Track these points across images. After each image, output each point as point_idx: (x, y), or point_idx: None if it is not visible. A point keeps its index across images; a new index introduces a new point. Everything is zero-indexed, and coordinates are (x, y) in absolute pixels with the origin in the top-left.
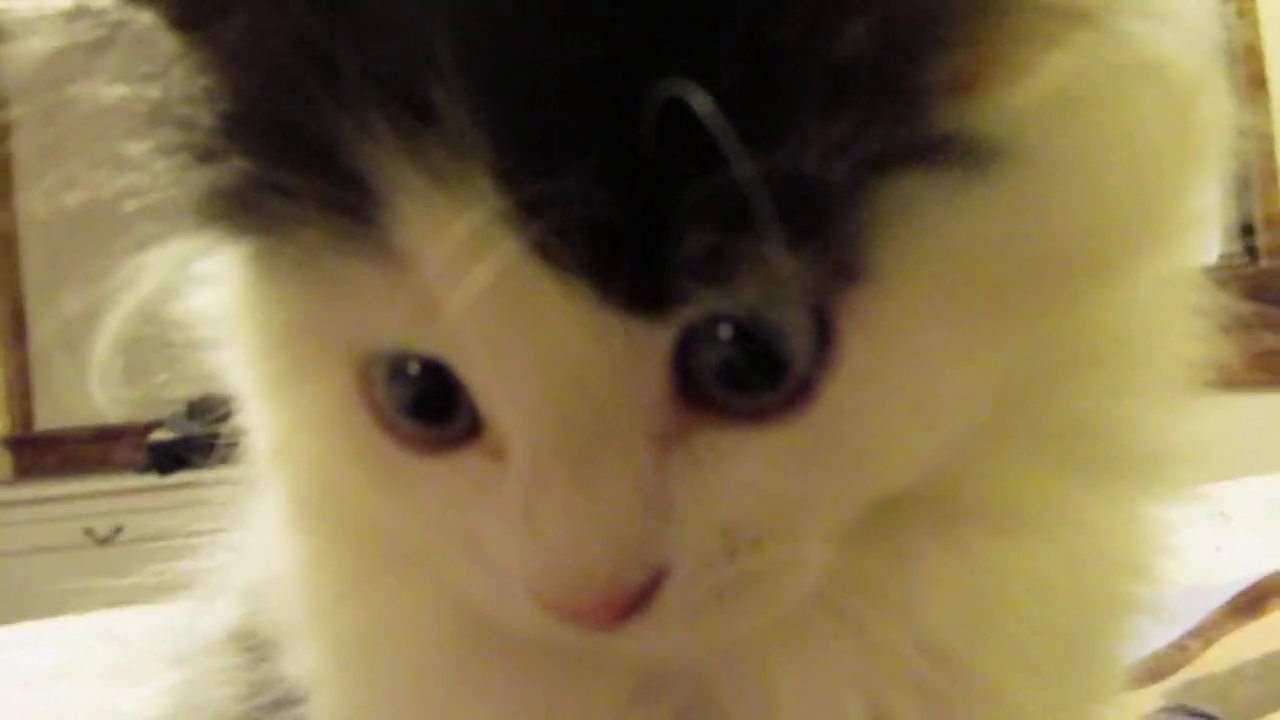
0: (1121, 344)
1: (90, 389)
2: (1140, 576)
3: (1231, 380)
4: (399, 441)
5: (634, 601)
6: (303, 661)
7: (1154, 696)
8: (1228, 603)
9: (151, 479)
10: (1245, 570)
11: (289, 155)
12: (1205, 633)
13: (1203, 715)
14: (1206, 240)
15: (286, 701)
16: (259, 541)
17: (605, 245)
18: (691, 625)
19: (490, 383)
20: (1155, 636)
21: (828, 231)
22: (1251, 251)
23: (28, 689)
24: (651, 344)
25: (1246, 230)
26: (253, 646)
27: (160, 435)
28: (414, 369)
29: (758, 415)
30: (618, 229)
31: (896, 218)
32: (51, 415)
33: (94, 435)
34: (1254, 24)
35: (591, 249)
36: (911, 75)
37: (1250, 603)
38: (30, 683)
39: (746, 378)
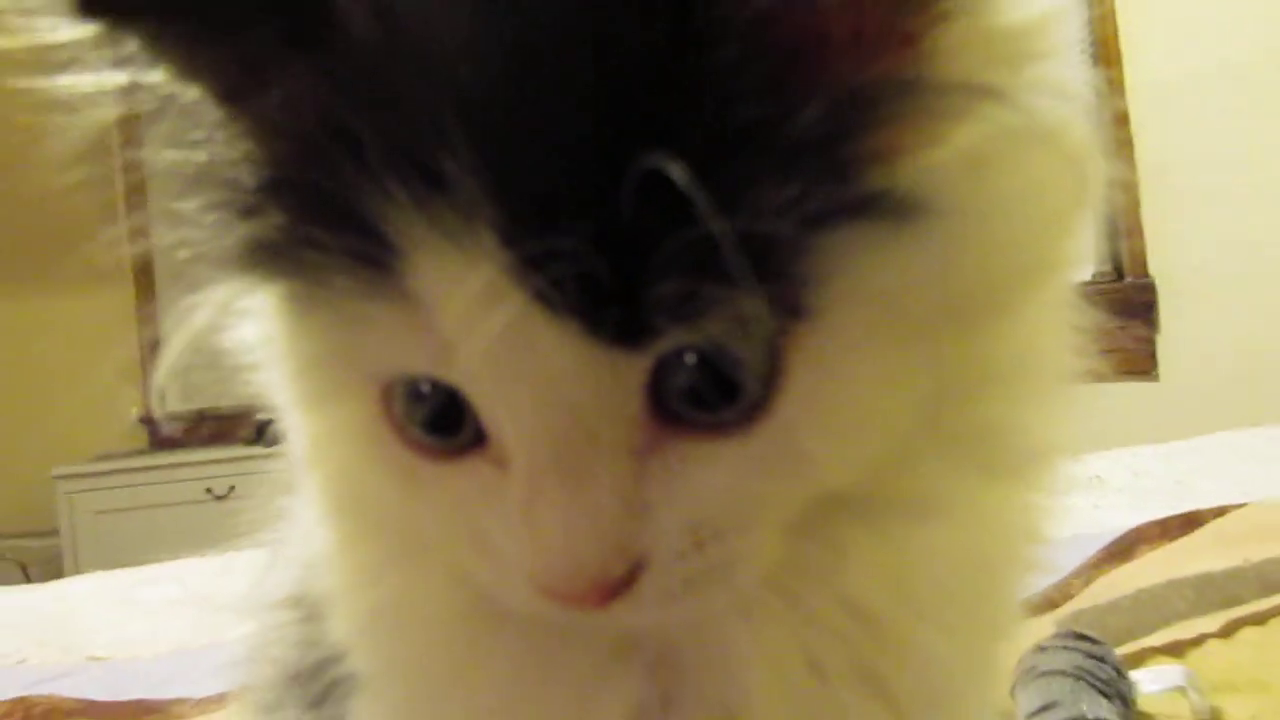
0: (1016, 360)
1: (156, 406)
2: (1029, 546)
3: (1099, 372)
4: (415, 450)
5: (617, 589)
6: (337, 628)
7: (1048, 624)
8: (1103, 549)
9: (258, 449)
10: (1116, 523)
11: (319, 213)
12: (1086, 574)
13: (1086, 638)
14: (1082, 263)
15: (331, 660)
16: (306, 523)
17: (593, 292)
18: (665, 606)
19: (495, 406)
20: (1045, 576)
21: (780, 277)
22: (1118, 271)
23: (157, 617)
24: (630, 372)
25: (1114, 254)
26: (304, 610)
27: (265, 415)
28: (426, 388)
29: (719, 429)
30: (604, 279)
31: (836, 264)
32: (180, 399)
33: (213, 415)
34: (1122, 93)
35: (582, 296)
36: (849, 146)
37: (1122, 550)
38: (159, 612)
39: (709, 398)
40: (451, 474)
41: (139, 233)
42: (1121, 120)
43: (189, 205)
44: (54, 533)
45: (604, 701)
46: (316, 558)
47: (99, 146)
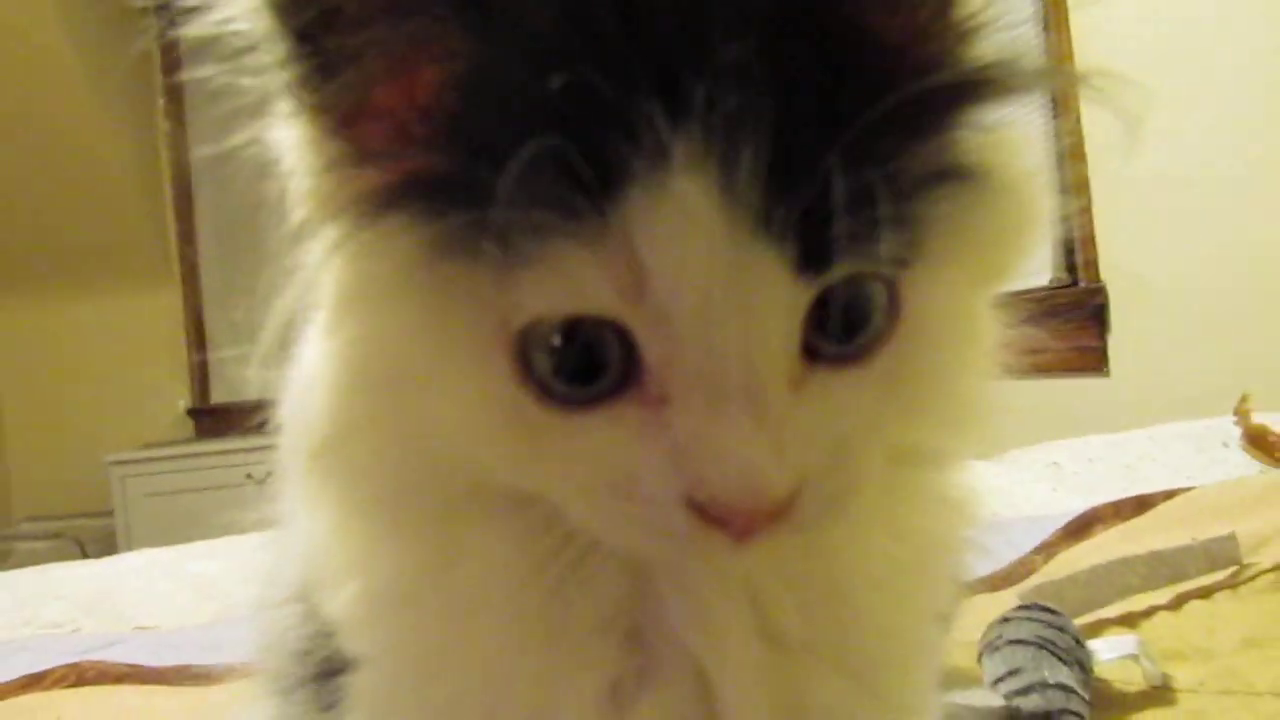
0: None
1: (253, 370)
2: (965, 527)
3: (1055, 367)
4: (547, 403)
5: (784, 510)
6: (332, 611)
7: (1011, 597)
8: (1062, 528)
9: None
10: (1073, 504)
11: (525, 142)
12: (1046, 550)
13: (1046, 609)
14: (1041, 268)
15: (334, 657)
16: (304, 516)
17: (797, 225)
18: (806, 529)
19: (686, 336)
20: (1008, 553)
21: (909, 223)
22: (1072, 276)
23: (201, 590)
24: (801, 303)
25: (1069, 261)
26: (308, 605)
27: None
28: (556, 341)
29: (845, 360)
30: (800, 217)
31: (938, 217)
32: (223, 393)
33: (254, 407)
34: (1080, 133)
35: (784, 229)
36: (954, 118)
37: (1079, 529)
38: (203, 585)
39: (850, 327)
40: (588, 423)
41: (188, 234)
42: (1079, 155)
43: (337, 144)
44: (108, 514)
45: (582, 675)
46: (314, 549)
47: (148, 149)
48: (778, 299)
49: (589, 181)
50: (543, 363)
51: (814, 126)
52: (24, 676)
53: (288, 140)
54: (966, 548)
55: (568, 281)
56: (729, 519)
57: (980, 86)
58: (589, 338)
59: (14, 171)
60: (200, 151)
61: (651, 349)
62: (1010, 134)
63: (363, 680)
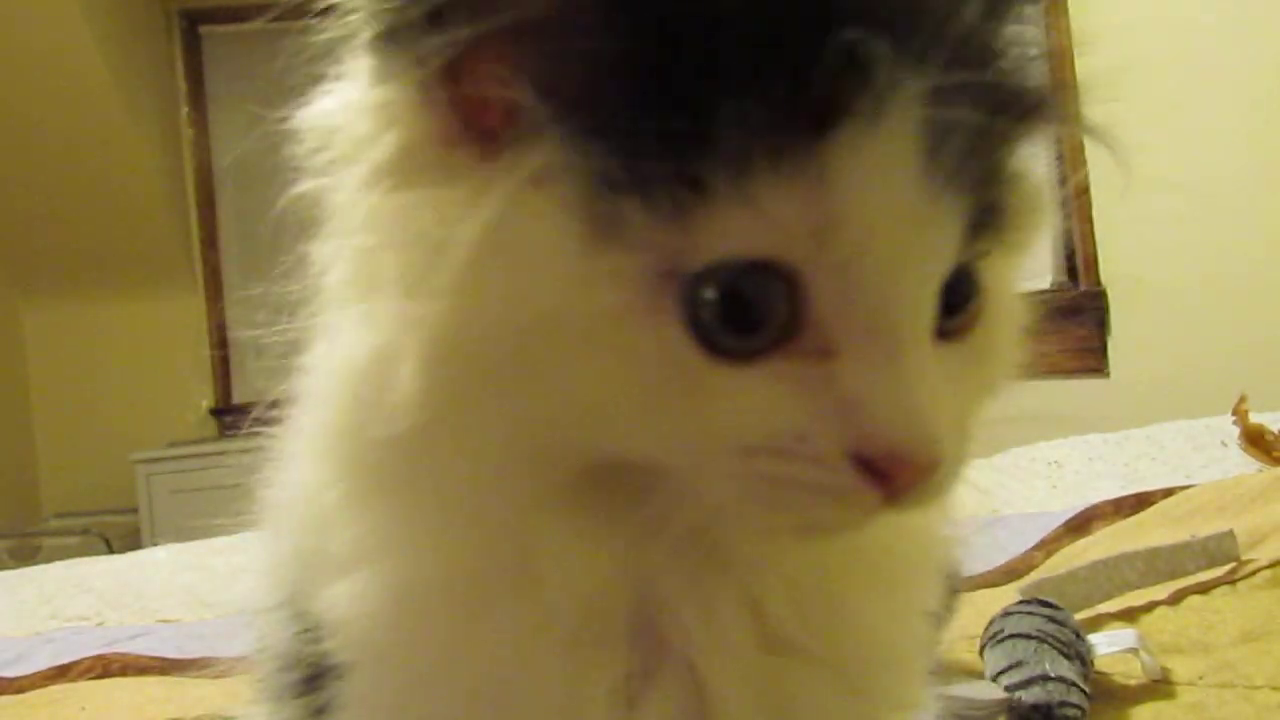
0: None
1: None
2: (943, 526)
3: (1057, 368)
4: (710, 355)
5: (936, 466)
6: (330, 607)
7: (1012, 592)
8: (1063, 524)
9: None
10: (1073, 501)
11: (746, 81)
12: (1047, 546)
13: (1047, 604)
14: (1043, 272)
15: (323, 667)
16: (291, 521)
17: (971, 192)
18: (934, 499)
19: (868, 282)
20: (1010, 549)
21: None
22: (1073, 279)
23: (224, 583)
24: (949, 270)
25: (1070, 264)
26: (296, 610)
27: None
28: (711, 294)
29: (951, 335)
30: (980, 179)
31: (1009, 210)
32: (245, 393)
33: (272, 405)
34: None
35: (966, 192)
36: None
37: (1079, 524)
38: (226, 578)
39: (952, 305)
40: (748, 379)
41: (211, 238)
42: (1078, 149)
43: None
44: (134, 510)
45: (595, 675)
46: (307, 545)
47: (172, 155)
48: (949, 258)
49: (803, 117)
50: (709, 311)
51: (994, 105)
52: (51, 668)
53: (359, 105)
54: (953, 544)
55: (762, 221)
56: (897, 472)
57: (1053, 105)
58: (756, 286)
59: (42, 178)
60: (222, 157)
61: (826, 297)
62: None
63: (358, 686)
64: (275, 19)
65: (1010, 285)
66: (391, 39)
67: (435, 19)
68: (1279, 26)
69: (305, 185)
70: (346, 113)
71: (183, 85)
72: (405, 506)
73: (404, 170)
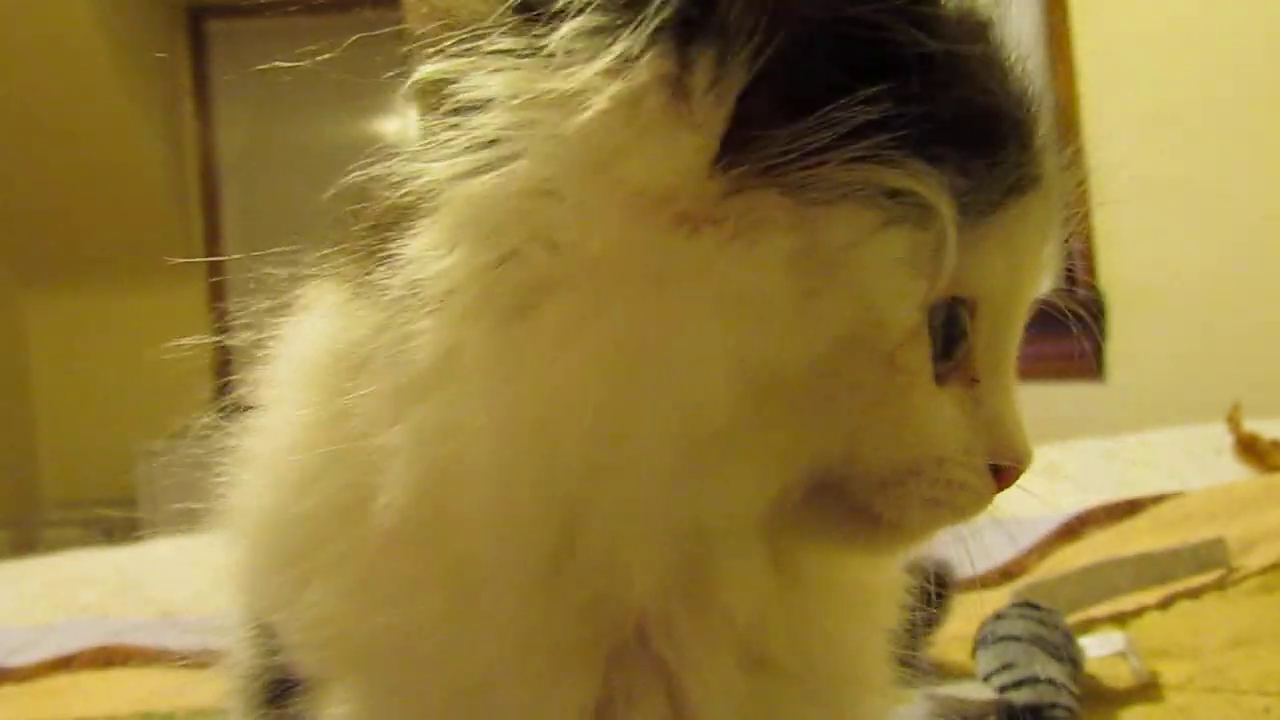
0: None
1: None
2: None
3: (1054, 373)
4: (934, 377)
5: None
6: (304, 619)
7: (1005, 595)
8: (1056, 529)
9: None
10: (1068, 506)
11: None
12: (1041, 550)
13: (1038, 607)
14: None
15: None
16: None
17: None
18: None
19: (1016, 319)
20: (1004, 553)
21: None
22: (1071, 284)
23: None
24: None
25: (1068, 269)
26: (257, 627)
27: None
28: (941, 323)
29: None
30: None
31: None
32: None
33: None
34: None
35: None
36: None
37: (1072, 529)
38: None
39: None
40: (942, 398)
41: (214, 231)
42: (1076, 149)
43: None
44: (134, 502)
45: (570, 695)
46: (269, 568)
47: (175, 149)
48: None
49: (1012, 188)
50: (937, 338)
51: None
52: (53, 659)
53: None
54: (902, 565)
55: (986, 262)
56: (1012, 478)
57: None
58: (958, 320)
59: (47, 171)
60: (227, 152)
61: (984, 330)
62: None
63: (344, 689)
64: (282, 14)
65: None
66: (707, 26)
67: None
68: (1277, 30)
69: (490, 178)
70: (593, 118)
71: (188, 80)
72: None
73: (667, 200)
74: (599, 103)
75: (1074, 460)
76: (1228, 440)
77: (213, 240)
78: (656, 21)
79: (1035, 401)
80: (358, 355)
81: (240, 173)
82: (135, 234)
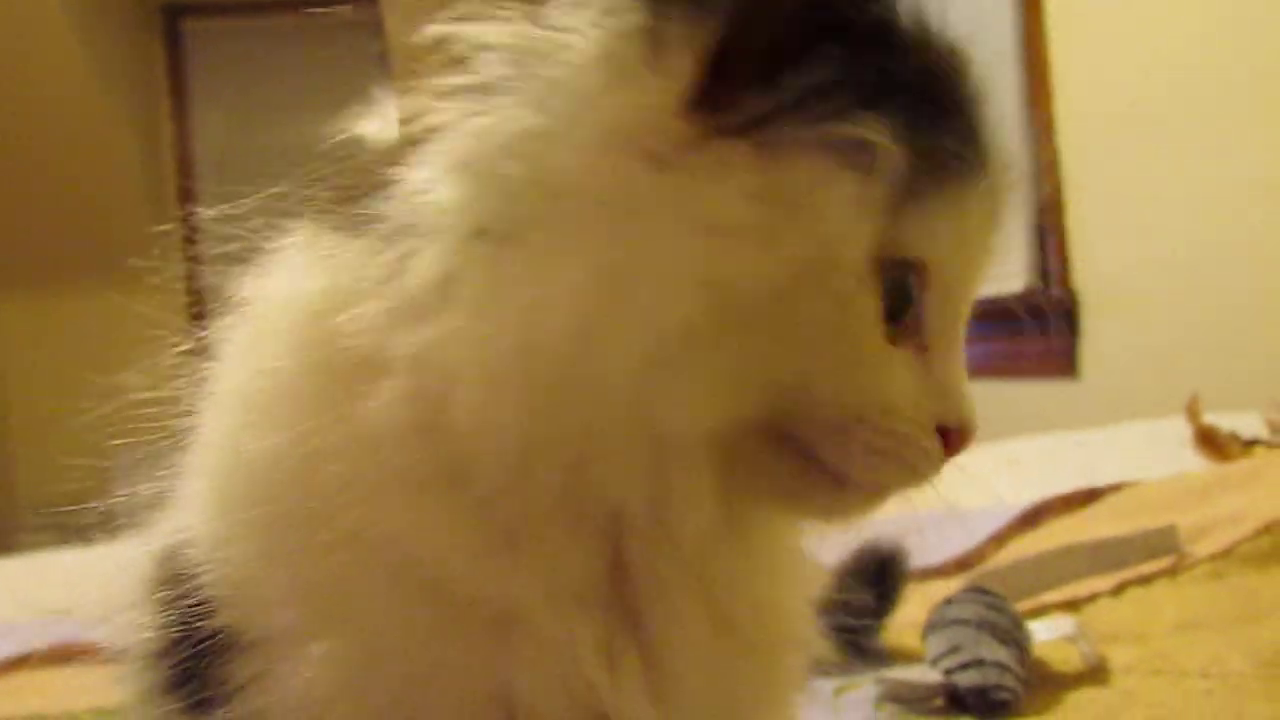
0: None
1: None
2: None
3: (1029, 371)
4: (885, 332)
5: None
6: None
7: (961, 581)
8: (1015, 519)
9: None
10: (1028, 497)
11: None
12: (999, 539)
13: (988, 593)
14: (1016, 275)
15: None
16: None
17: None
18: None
19: (967, 289)
20: (963, 543)
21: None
22: (1045, 283)
23: None
24: None
25: (1042, 268)
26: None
27: None
28: (892, 281)
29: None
30: None
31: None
32: None
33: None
34: (1052, 132)
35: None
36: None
37: (1030, 518)
38: None
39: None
40: (895, 357)
41: (190, 230)
42: (1050, 153)
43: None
44: (113, 504)
45: (585, 631)
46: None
47: (152, 148)
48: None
49: (970, 166)
50: (889, 294)
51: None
52: (12, 657)
53: (595, 60)
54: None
55: (938, 228)
56: (959, 441)
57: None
58: (911, 282)
59: (21, 171)
60: (204, 151)
61: (935, 298)
62: None
63: (298, 658)
64: (259, 12)
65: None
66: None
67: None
68: (1249, 31)
69: (481, 118)
70: (576, 64)
71: (164, 80)
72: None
73: (640, 138)
74: (581, 49)
75: (1038, 453)
76: (1189, 432)
77: (190, 242)
78: None
79: (1011, 398)
80: (343, 286)
81: (218, 173)
82: (111, 236)
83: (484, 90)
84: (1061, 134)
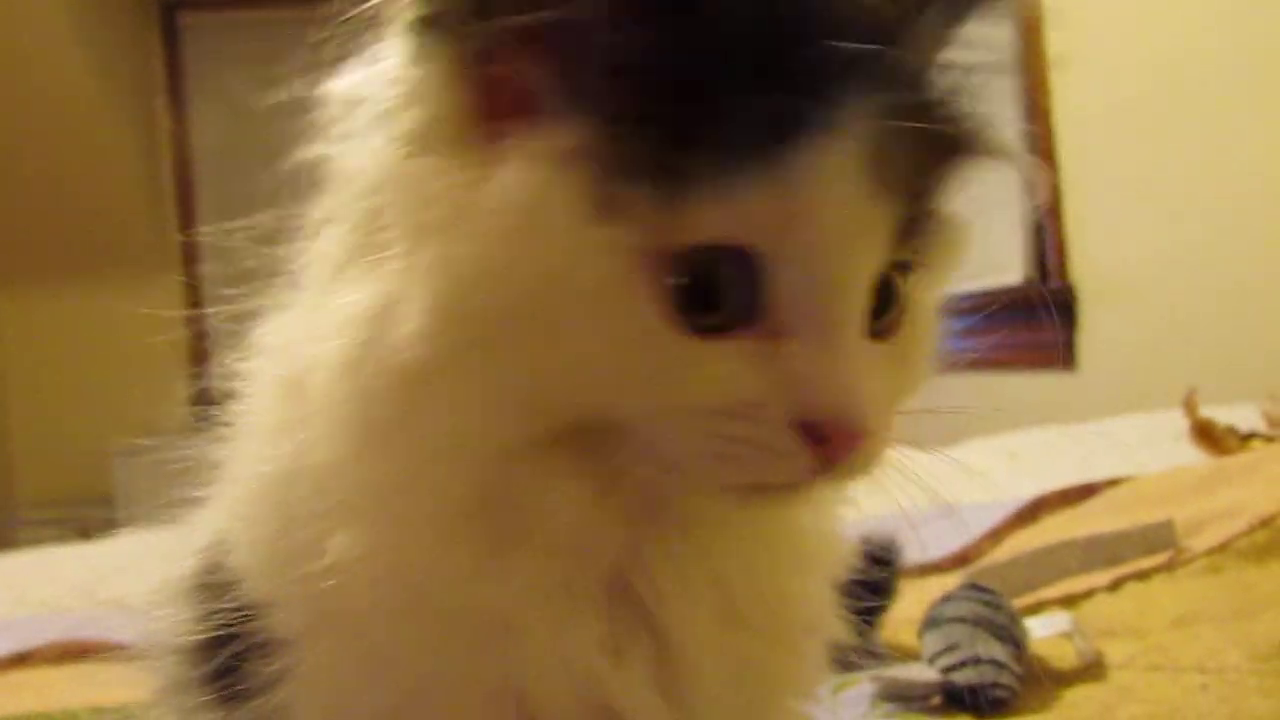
0: None
1: None
2: (836, 520)
3: (1026, 363)
4: (682, 326)
5: (864, 440)
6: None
7: (958, 577)
8: (1012, 514)
9: None
10: (1026, 491)
11: (744, 95)
12: (996, 535)
13: (984, 589)
14: (1013, 268)
15: (240, 635)
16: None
17: (902, 202)
18: (853, 477)
19: (818, 273)
20: (961, 538)
21: (928, 235)
22: (1043, 276)
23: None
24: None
25: (1040, 261)
26: (214, 589)
27: None
28: (681, 280)
29: (878, 335)
30: (915, 190)
31: (936, 235)
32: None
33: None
34: (1050, 125)
35: (898, 201)
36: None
37: (1027, 513)
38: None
39: (880, 308)
40: (711, 351)
41: (189, 227)
42: (1048, 147)
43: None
44: (110, 500)
45: (590, 625)
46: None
47: (150, 143)
48: (881, 258)
49: (774, 125)
50: (683, 289)
51: (930, 127)
52: (11, 655)
53: (392, 79)
54: (839, 531)
55: (737, 213)
56: (832, 437)
57: (983, 140)
58: (725, 271)
59: (17, 167)
60: (201, 146)
61: (783, 285)
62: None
63: (315, 659)
64: (256, 5)
65: (929, 304)
66: (436, 23)
67: (481, 10)
68: (1245, 26)
69: (317, 149)
70: (376, 86)
71: (161, 74)
72: (402, 453)
73: (427, 139)
74: (391, 88)
75: (1035, 447)
76: (1185, 426)
77: (189, 236)
78: (410, 21)
79: (1009, 391)
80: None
81: (216, 167)
82: (110, 231)
83: (343, 130)
84: (1059, 126)
